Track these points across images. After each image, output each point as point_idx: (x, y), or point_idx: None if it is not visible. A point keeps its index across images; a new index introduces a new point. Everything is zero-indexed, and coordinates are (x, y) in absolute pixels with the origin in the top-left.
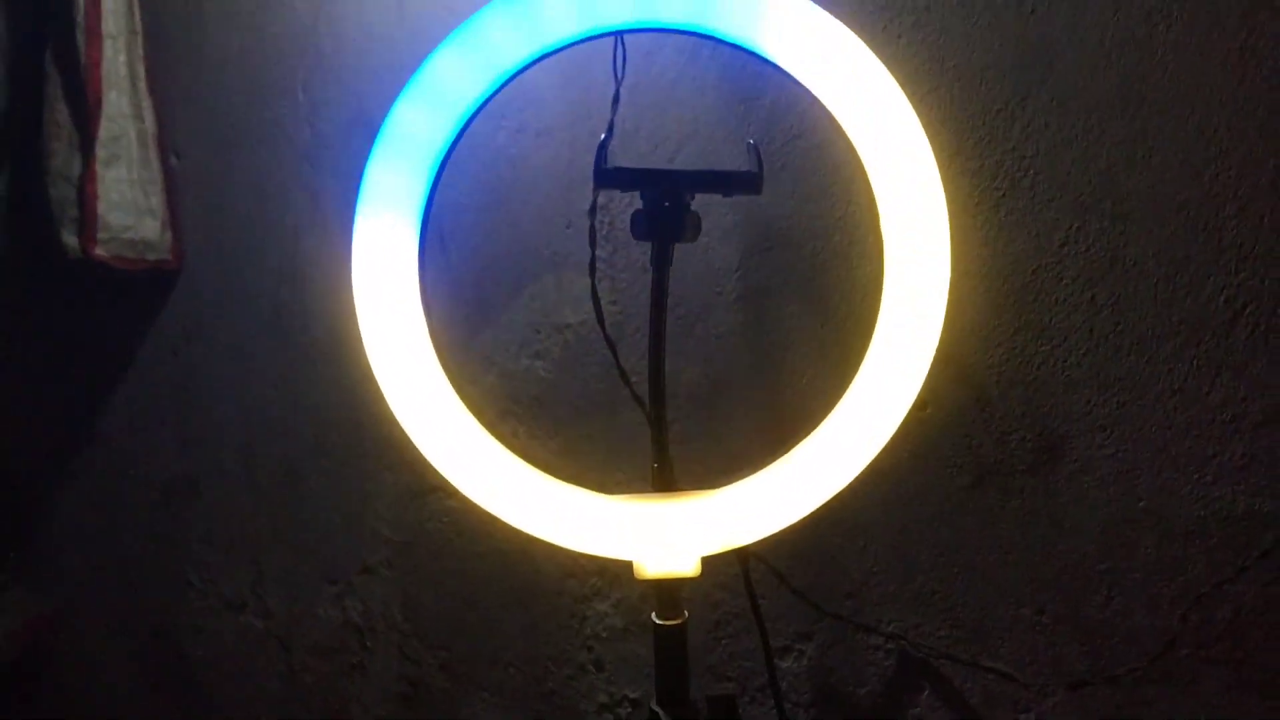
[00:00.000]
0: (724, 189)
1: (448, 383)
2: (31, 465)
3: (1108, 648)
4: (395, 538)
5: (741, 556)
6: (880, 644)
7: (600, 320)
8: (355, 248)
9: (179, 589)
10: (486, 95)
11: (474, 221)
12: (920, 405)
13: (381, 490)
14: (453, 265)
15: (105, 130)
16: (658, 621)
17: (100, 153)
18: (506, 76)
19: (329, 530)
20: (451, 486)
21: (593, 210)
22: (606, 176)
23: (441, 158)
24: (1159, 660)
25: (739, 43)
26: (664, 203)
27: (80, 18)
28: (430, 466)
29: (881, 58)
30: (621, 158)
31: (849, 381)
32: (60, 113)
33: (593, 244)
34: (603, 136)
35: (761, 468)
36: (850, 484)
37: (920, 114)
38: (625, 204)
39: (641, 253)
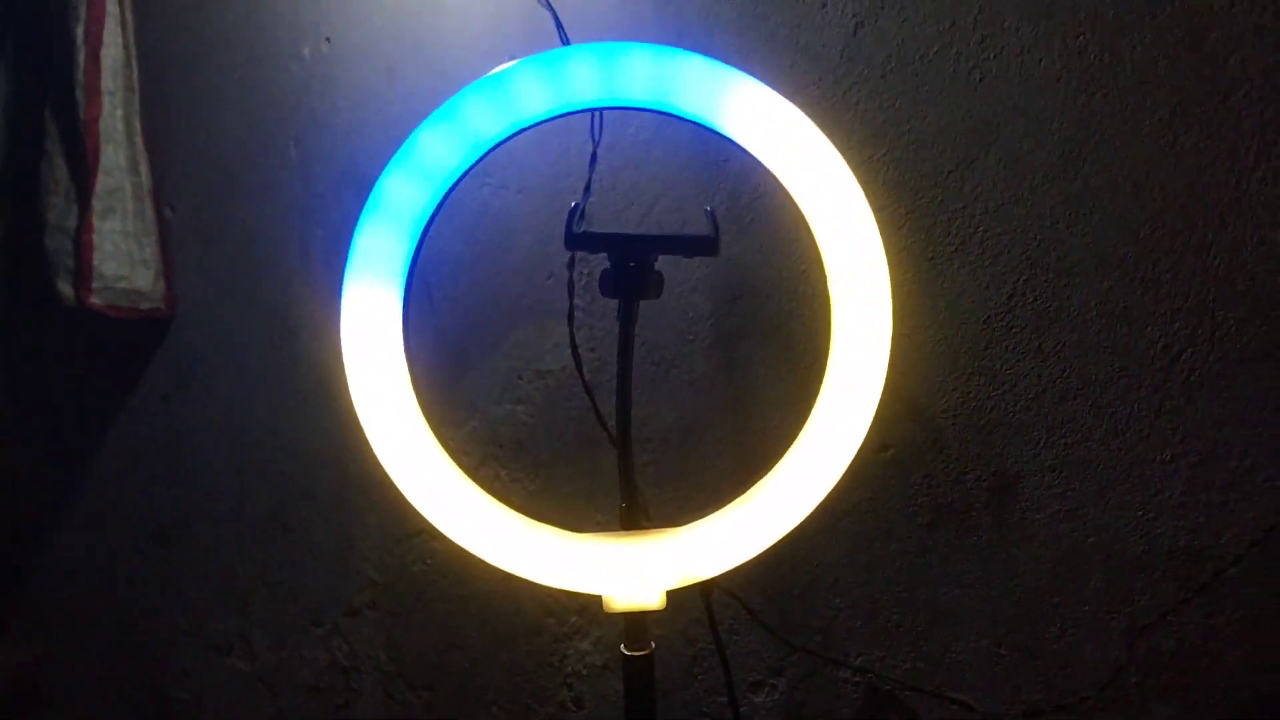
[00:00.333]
0: (684, 251)
1: (429, 432)
2: (22, 509)
3: (1061, 677)
4: (380, 580)
5: (704, 590)
6: (849, 677)
7: (579, 367)
8: (344, 309)
9: (167, 632)
10: (466, 167)
11: (458, 273)
12: (882, 447)
13: (367, 534)
14: (438, 314)
15: (102, 184)
16: (626, 652)
17: (97, 205)
18: (484, 150)
19: (315, 573)
20: (435, 530)
21: (571, 264)
22: (575, 240)
23: (424, 224)
24: (1108, 689)
25: (698, 120)
26: (629, 263)
27: (80, 76)
28: (414, 511)
29: (841, 121)
30: (597, 214)
31: None
32: (59, 167)
33: (571, 295)
34: (573, 204)
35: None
36: (811, 523)
37: (877, 174)
38: (602, 257)
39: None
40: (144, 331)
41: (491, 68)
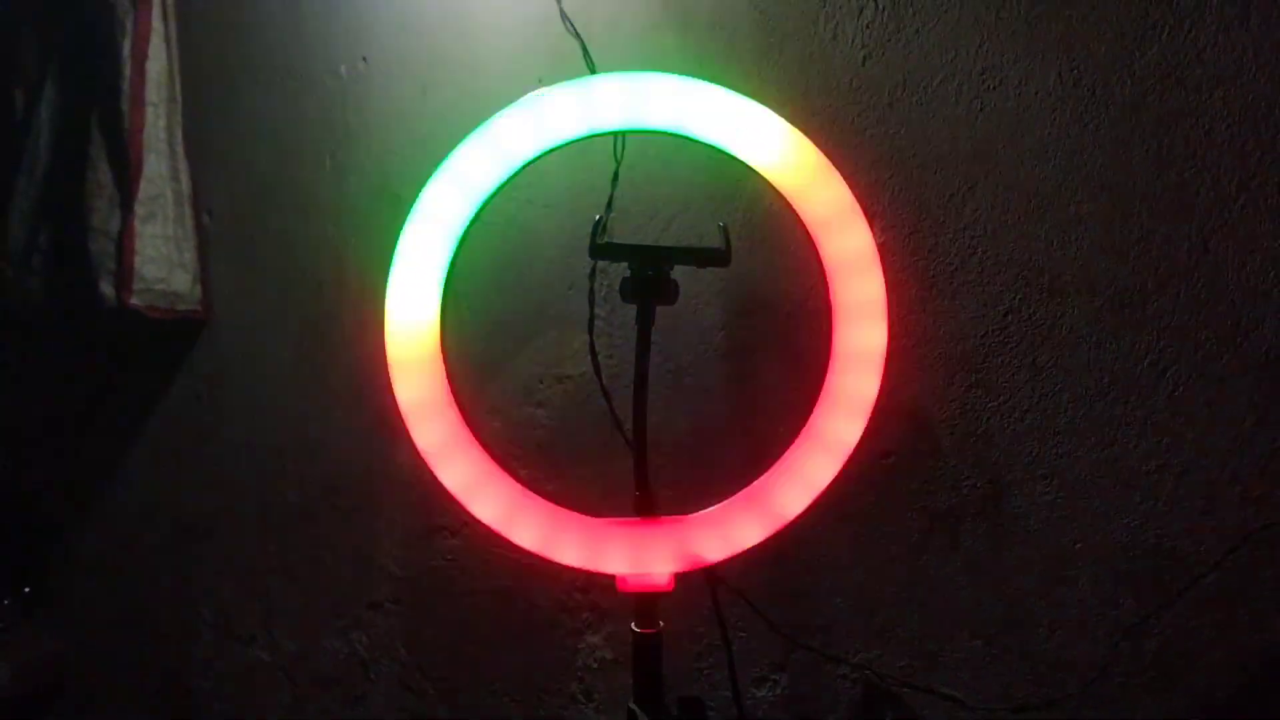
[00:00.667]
0: (698, 262)
1: (463, 422)
2: (52, 502)
3: (1049, 675)
4: (401, 575)
5: (712, 586)
6: (847, 673)
7: (598, 372)
8: (389, 305)
9: (191, 624)
10: (502, 181)
11: (485, 283)
12: (884, 454)
13: (390, 530)
14: (464, 322)
15: (144, 190)
16: (636, 630)
17: (139, 210)
18: (518, 168)
19: (338, 568)
20: (455, 526)
21: (592, 275)
22: (599, 250)
23: (463, 231)
24: (1093, 686)
25: (714, 146)
26: (648, 271)
27: (126, 87)
28: (436, 508)
29: (850, 146)
30: (618, 228)
31: None
32: (103, 173)
33: (592, 304)
34: (597, 218)
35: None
36: (814, 525)
37: (883, 196)
38: (621, 269)
39: (634, 313)
40: (179, 332)
41: (520, 89)
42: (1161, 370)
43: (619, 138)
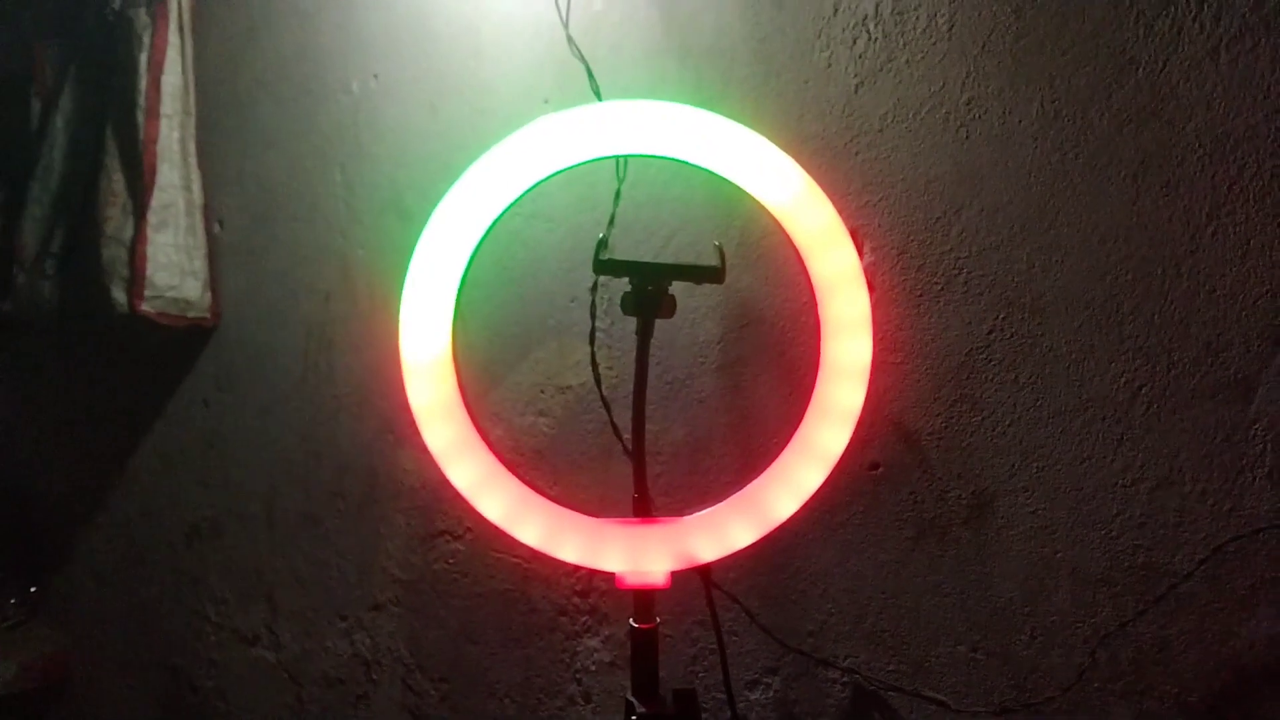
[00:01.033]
0: (694, 279)
1: (472, 426)
2: (60, 504)
3: (1030, 680)
4: (403, 578)
5: (706, 583)
6: (837, 677)
7: (598, 382)
8: (404, 314)
9: (196, 624)
10: (511, 202)
11: (488, 295)
12: (872, 465)
13: (393, 534)
14: (468, 332)
15: (157, 199)
16: (634, 625)
17: (151, 219)
18: (527, 189)
19: (342, 570)
20: (457, 531)
21: (594, 288)
22: (602, 266)
23: (476, 245)
24: (1072, 691)
25: (710, 172)
26: (647, 287)
27: (142, 99)
28: (438, 513)
29: (841, 169)
30: (620, 245)
31: None
32: (117, 182)
33: (593, 316)
34: (600, 235)
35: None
36: (805, 534)
37: (873, 218)
38: (620, 283)
39: (633, 325)
40: (188, 339)
41: (527, 109)
42: (1136, 388)
43: (620, 159)
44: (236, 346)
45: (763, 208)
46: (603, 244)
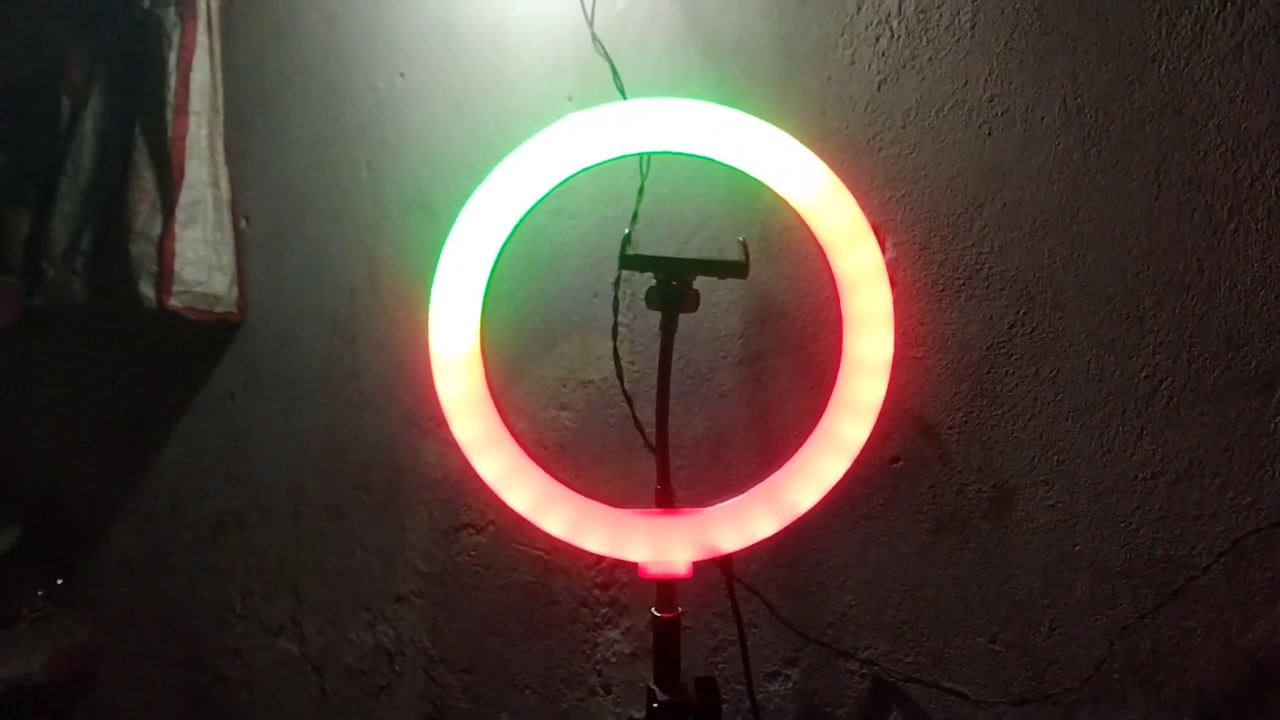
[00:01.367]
0: (718, 273)
1: (499, 417)
2: (86, 498)
3: (1049, 672)
4: (427, 570)
5: (727, 576)
6: (856, 669)
7: (620, 377)
8: (434, 308)
9: (221, 616)
10: (538, 199)
11: (511, 289)
12: (893, 459)
13: (417, 526)
14: (492, 327)
15: (185, 195)
16: (656, 615)
17: (180, 215)
18: (553, 187)
19: (366, 562)
20: (480, 524)
21: (617, 283)
22: (628, 261)
23: (503, 241)
24: (1090, 682)
25: (734, 169)
26: (671, 281)
27: (170, 97)
28: (461, 506)
29: (864, 166)
30: (644, 240)
31: None
32: (146, 179)
33: (616, 311)
34: (626, 230)
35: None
36: (826, 526)
37: (895, 214)
38: (643, 279)
39: (657, 320)
40: (215, 334)
41: (551, 106)
42: (1157, 382)
43: (644, 156)
44: (262, 341)
45: (786, 204)
46: (628, 240)
